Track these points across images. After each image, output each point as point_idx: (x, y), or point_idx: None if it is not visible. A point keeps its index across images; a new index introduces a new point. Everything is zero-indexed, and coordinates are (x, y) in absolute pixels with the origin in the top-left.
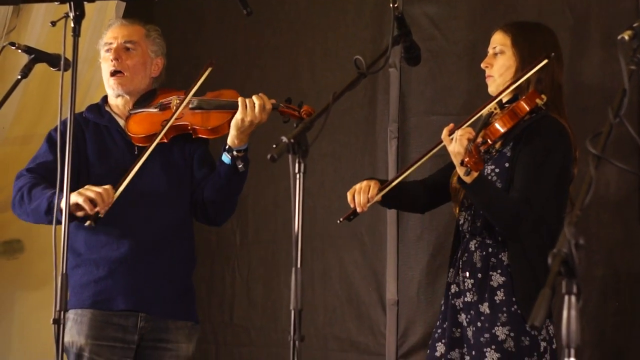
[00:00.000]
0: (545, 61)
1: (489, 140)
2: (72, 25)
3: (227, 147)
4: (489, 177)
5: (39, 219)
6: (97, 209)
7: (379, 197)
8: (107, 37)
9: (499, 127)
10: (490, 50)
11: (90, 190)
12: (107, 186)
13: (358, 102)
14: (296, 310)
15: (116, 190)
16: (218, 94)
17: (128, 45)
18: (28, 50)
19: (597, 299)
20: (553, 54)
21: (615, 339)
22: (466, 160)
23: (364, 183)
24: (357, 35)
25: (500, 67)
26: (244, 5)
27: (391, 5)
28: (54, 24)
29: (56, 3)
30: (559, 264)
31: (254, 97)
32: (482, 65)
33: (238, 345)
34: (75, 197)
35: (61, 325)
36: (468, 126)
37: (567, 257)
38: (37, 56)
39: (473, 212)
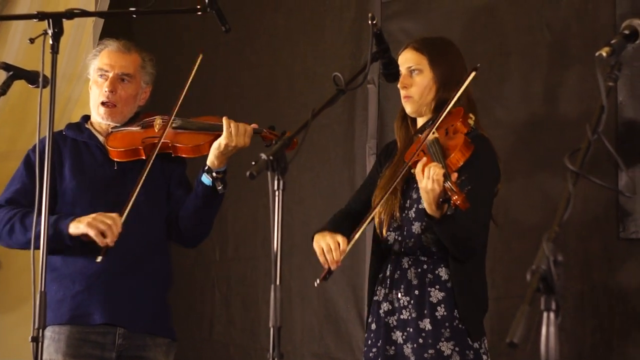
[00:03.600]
0: (474, 73)
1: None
2: (51, 42)
3: (206, 168)
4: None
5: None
6: (107, 241)
7: (350, 246)
8: (102, 62)
9: (459, 160)
10: (404, 70)
11: (100, 222)
12: (114, 215)
13: (337, 118)
14: (275, 327)
15: (122, 217)
16: (202, 119)
17: (124, 77)
18: (6, 67)
19: (576, 315)
20: (479, 64)
21: (594, 355)
22: (454, 198)
23: (331, 241)
24: (335, 52)
25: (421, 88)
26: (222, 22)
27: (369, 22)
28: (32, 41)
29: (35, 20)
30: (537, 280)
31: (240, 124)
32: (400, 86)
33: None
34: (84, 228)
35: (40, 343)
36: (417, 153)
37: (545, 273)
38: (15, 73)
39: (405, 232)
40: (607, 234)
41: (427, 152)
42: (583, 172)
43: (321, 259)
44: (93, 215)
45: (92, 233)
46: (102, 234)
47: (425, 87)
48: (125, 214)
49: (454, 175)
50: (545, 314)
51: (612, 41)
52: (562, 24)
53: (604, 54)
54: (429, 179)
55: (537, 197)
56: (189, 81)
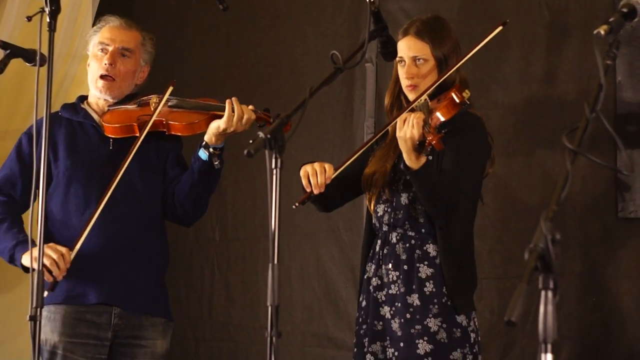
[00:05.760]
0: (500, 28)
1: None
2: (48, 20)
3: (203, 143)
4: None
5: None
6: (51, 276)
7: (335, 174)
8: (103, 36)
9: (441, 116)
10: (408, 60)
11: (47, 257)
12: (62, 249)
13: (335, 97)
14: (273, 306)
15: (72, 250)
16: (199, 99)
17: (124, 51)
18: (3, 45)
19: (574, 294)
20: (508, 20)
21: (593, 335)
22: (429, 138)
23: (317, 166)
24: (335, 31)
25: (427, 77)
26: (220, 0)
27: (367, 0)
28: (29, 19)
29: None
30: (535, 259)
31: (243, 108)
32: (406, 77)
33: (217, 340)
34: (31, 263)
35: (38, 322)
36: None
37: (543, 252)
38: (12, 51)
39: (394, 204)
40: (605, 213)
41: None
42: (581, 150)
43: (304, 181)
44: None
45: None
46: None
47: (430, 75)
48: (78, 246)
49: (434, 121)
50: (543, 293)
51: (611, 19)
52: (560, 2)
53: (602, 32)
54: (408, 125)
55: (537, 177)
56: (159, 109)
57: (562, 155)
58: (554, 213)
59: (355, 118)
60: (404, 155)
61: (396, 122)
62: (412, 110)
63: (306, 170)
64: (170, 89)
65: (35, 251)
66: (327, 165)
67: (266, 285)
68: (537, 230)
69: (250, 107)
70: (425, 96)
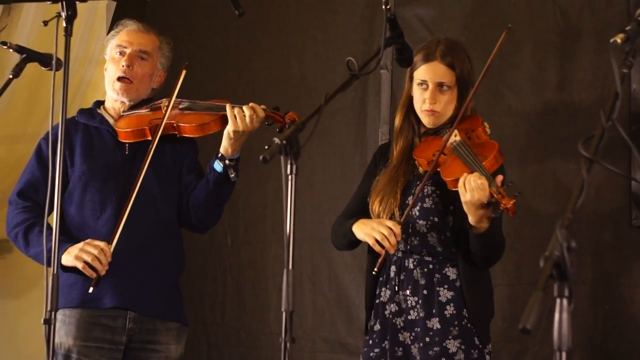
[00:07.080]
0: (505, 32)
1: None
2: (64, 24)
3: (219, 155)
4: (430, 198)
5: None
6: (95, 272)
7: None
8: (120, 39)
9: (492, 166)
10: (432, 85)
11: (87, 253)
12: (101, 244)
13: (348, 103)
14: (287, 312)
15: (111, 244)
16: (210, 101)
17: (141, 54)
18: (20, 49)
19: (588, 302)
20: (510, 25)
21: (606, 343)
22: (503, 203)
23: (383, 228)
24: (347, 36)
25: (448, 104)
26: (236, 6)
27: (383, 7)
28: (46, 23)
29: (48, 2)
30: (551, 266)
31: (245, 108)
32: (429, 101)
33: (229, 346)
34: (73, 262)
35: (52, 326)
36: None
37: (558, 260)
38: (28, 55)
39: (410, 230)
40: (619, 221)
41: (454, 154)
42: (597, 159)
43: (376, 248)
44: (80, 245)
45: (79, 266)
46: (91, 266)
47: (451, 103)
48: (115, 240)
49: (498, 179)
50: (558, 301)
51: (627, 28)
52: (575, 10)
53: (619, 41)
54: (473, 190)
55: (550, 185)
56: (174, 94)
57: (575, 163)
58: (570, 221)
59: (369, 125)
60: (471, 218)
61: (400, 145)
62: (437, 141)
63: (372, 236)
64: (184, 72)
65: (74, 250)
66: (390, 224)
67: (276, 290)
68: (553, 238)
69: (263, 106)
70: (456, 135)
